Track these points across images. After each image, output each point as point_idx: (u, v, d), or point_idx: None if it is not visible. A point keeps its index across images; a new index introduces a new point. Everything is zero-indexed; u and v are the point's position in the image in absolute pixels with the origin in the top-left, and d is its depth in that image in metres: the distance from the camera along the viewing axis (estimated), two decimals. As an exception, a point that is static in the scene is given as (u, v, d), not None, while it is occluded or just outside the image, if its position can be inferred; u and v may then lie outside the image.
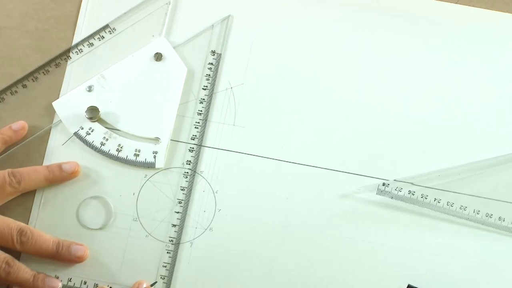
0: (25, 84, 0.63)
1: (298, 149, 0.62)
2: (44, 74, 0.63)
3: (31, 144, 0.62)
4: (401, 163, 0.62)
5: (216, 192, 0.62)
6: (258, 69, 0.64)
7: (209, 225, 0.61)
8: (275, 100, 0.63)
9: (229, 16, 0.64)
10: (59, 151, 0.62)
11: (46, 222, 0.60)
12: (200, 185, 0.62)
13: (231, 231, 0.61)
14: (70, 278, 0.60)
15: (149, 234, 0.61)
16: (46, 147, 0.62)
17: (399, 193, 0.61)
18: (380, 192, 0.61)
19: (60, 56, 0.63)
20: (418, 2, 0.65)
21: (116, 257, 0.60)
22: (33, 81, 0.63)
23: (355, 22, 0.64)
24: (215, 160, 0.62)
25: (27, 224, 0.60)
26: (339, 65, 0.64)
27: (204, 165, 0.62)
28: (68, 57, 0.63)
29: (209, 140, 0.62)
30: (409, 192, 0.61)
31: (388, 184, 0.61)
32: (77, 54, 0.63)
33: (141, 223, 0.61)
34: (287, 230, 0.61)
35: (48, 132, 0.62)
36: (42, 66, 0.63)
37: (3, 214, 0.58)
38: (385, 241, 0.61)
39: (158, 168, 0.62)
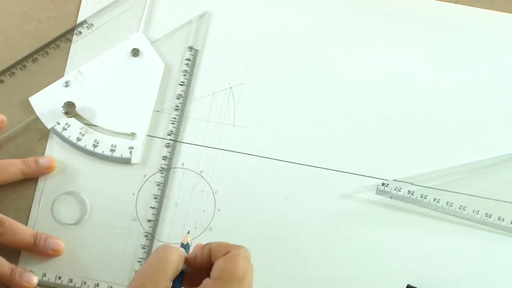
0: (2, 80, 0.63)
1: (298, 149, 0.62)
2: (21, 70, 0.63)
3: (7, 140, 0.62)
4: (400, 163, 0.62)
5: (216, 192, 0.62)
6: (258, 69, 0.64)
7: (208, 225, 0.61)
8: (274, 100, 0.63)
9: (206, 12, 0.64)
10: (36, 146, 0.62)
11: (46, 223, 0.61)
12: (199, 185, 0.62)
13: (231, 231, 0.61)
14: (45, 273, 0.60)
15: (149, 233, 0.61)
16: (23, 142, 0.62)
17: (399, 193, 0.61)
18: (379, 192, 0.61)
19: (37, 51, 0.63)
20: (418, 2, 0.65)
21: (91, 252, 0.60)
22: (10, 77, 0.63)
23: (355, 22, 0.65)
24: (214, 160, 0.62)
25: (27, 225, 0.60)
26: (339, 65, 0.64)
27: (204, 165, 0.62)
28: (46, 52, 0.63)
29: (208, 140, 0.62)
30: (409, 192, 0.61)
31: (388, 184, 0.61)
32: (54, 49, 0.63)
33: (140, 223, 0.61)
34: (286, 230, 0.61)
35: (24, 128, 0.62)
36: (19, 62, 0.63)
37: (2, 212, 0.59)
38: (385, 241, 0.61)
39: (159, 168, 0.62)
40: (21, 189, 0.61)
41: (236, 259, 0.48)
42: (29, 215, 0.61)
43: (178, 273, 0.49)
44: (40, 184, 0.61)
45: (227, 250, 0.49)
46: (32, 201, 0.61)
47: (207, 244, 0.50)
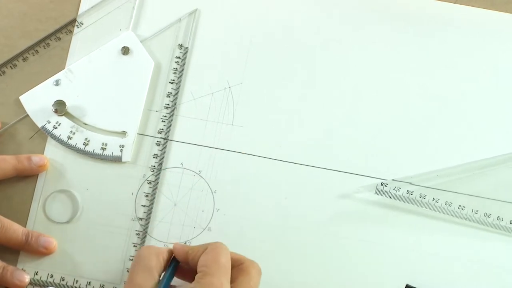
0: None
1: (296, 149, 0.62)
2: (12, 68, 0.63)
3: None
4: (399, 163, 0.62)
5: (215, 192, 0.62)
6: (257, 68, 0.64)
7: (207, 225, 0.61)
8: (273, 99, 0.63)
9: (196, 9, 0.64)
10: (27, 145, 0.62)
11: (38, 221, 0.61)
12: (198, 184, 0.62)
13: (230, 231, 0.61)
14: (37, 272, 0.60)
15: (141, 232, 0.61)
16: (14, 141, 0.62)
17: (398, 192, 0.61)
18: (378, 192, 0.61)
19: (27, 50, 0.63)
20: (418, 2, 0.65)
21: (84, 251, 0.60)
22: (1, 75, 0.63)
23: (354, 22, 0.65)
24: (213, 159, 0.62)
25: (26, 226, 0.60)
26: (338, 65, 0.64)
27: (203, 165, 0.62)
28: (36, 51, 0.63)
29: (207, 140, 0.62)
30: (408, 191, 0.61)
31: (387, 184, 0.61)
32: (44, 48, 0.63)
33: (139, 223, 0.61)
34: (285, 230, 0.61)
35: (15, 126, 0.62)
36: (10, 60, 0.63)
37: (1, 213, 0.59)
38: (384, 241, 0.61)
39: (155, 167, 0.62)
40: (19, 187, 0.61)
41: (216, 250, 0.52)
42: (28, 214, 0.61)
43: (162, 268, 0.53)
44: (39, 182, 0.61)
45: (204, 247, 0.52)
46: (32, 200, 0.61)
47: (185, 246, 0.54)
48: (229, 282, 0.51)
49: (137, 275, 0.52)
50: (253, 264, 0.54)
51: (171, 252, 0.55)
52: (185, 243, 0.61)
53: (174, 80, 0.63)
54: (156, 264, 0.52)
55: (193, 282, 0.51)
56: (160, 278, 0.52)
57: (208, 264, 0.51)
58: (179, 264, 0.54)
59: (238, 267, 0.53)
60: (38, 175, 0.61)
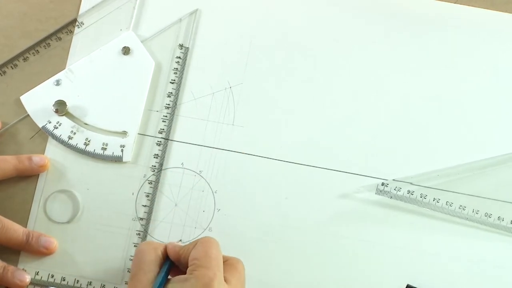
0: (-5, 78, 0.63)
1: (297, 149, 0.62)
2: (12, 68, 0.63)
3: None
4: (400, 163, 0.62)
5: (216, 192, 0.62)
6: (257, 68, 0.64)
7: (208, 225, 0.61)
8: (274, 99, 0.63)
9: (196, 10, 0.64)
10: (27, 145, 0.62)
11: (39, 221, 0.61)
12: (199, 185, 0.62)
13: (230, 231, 0.61)
14: (38, 272, 0.60)
15: (142, 232, 0.61)
16: (14, 141, 0.62)
17: (398, 193, 0.61)
18: (379, 192, 0.61)
19: (28, 50, 0.63)
20: (418, 2, 0.65)
21: (85, 251, 0.60)
22: (1, 75, 0.63)
23: (354, 22, 0.65)
24: (214, 159, 0.62)
25: (27, 226, 0.60)
26: (338, 65, 0.64)
27: (203, 165, 0.62)
28: (36, 51, 0.63)
29: (208, 140, 0.62)
30: (408, 192, 0.61)
31: (387, 184, 0.61)
32: (45, 48, 0.63)
33: (140, 223, 0.61)
34: (286, 230, 0.61)
35: (16, 126, 0.62)
36: (10, 60, 0.63)
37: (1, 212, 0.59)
38: (384, 241, 0.61)
39: (155, 167, 0.62)
40: (19, 187, 0.61)
41: (206, 244, 0.53)
42: (29, 214, 0.61)
43: (161, 261, 0.53)
44: (39, 182, 0.61)
45: (194, 243, 0.53)
46: (32, 200, 0.61)
47: (176, 245, 0.55)
48: (222, 274, 0.51)
49: (137, 270, 0.52)
50: (238, 260, 0.54)
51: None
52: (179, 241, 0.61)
53: (174, 80, 0.63)
54: (156, 258, 0.53)
55: (186, 274, 0.51)
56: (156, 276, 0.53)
57: (198, 257, 0.51)
58: (174, 264, 0.55)
59: (225, 263, 0.53)
60: (38, 175, 0.61)
